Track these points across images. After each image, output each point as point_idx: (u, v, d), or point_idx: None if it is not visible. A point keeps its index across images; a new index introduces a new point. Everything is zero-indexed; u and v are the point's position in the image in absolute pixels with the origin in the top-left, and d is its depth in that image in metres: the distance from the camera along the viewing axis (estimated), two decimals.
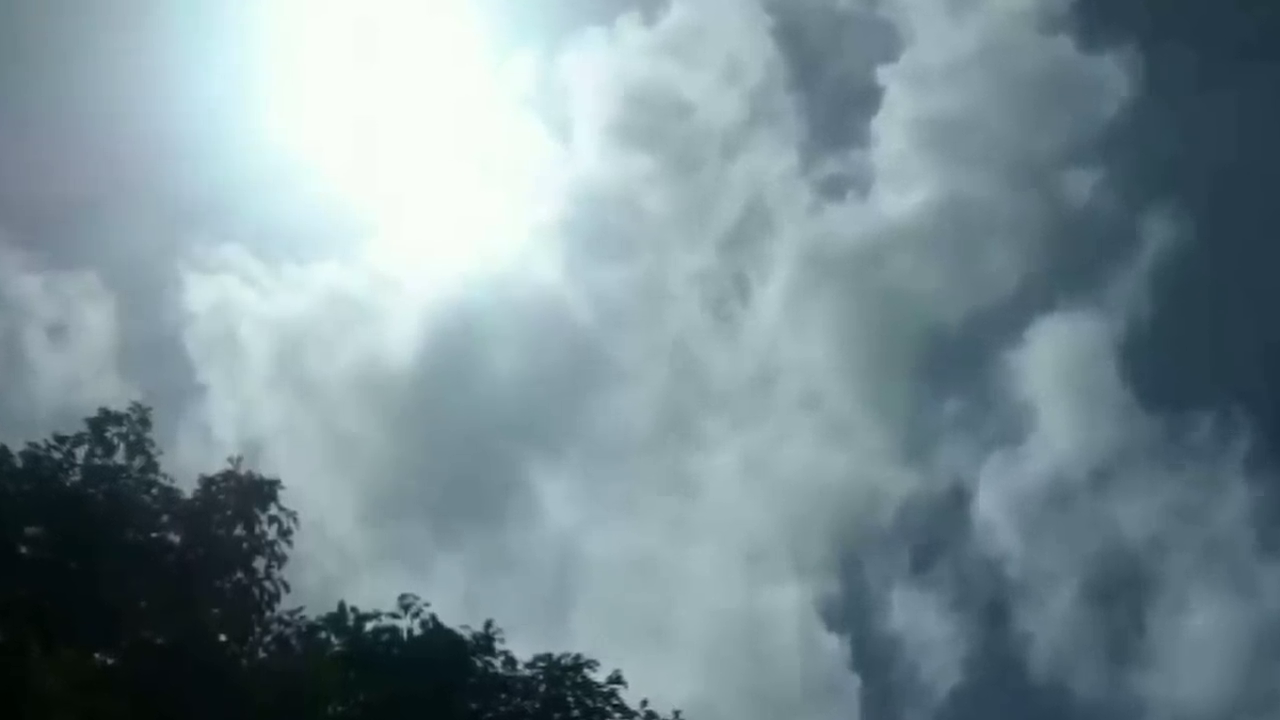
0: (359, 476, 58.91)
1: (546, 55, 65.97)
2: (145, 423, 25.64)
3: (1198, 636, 54.47)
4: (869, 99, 65.08)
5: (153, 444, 25.61)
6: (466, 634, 26.14)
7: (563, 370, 63.25)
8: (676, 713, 26.73)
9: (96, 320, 60.48)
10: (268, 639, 25.39)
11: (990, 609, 57.77)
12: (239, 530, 25.48)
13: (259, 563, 25.48)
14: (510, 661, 26.18)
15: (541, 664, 26.24)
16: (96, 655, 23.75)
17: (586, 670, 26.28)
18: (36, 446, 24.80)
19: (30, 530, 24.21)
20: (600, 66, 66.27)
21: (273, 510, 25.68)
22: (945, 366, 62.91)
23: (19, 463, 24.61)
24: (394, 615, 26.17)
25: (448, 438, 60.07)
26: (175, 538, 25.22)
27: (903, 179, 64.64)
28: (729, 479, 61.40)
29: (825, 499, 59.75)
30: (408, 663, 25.51)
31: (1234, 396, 58.51)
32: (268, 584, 25.43)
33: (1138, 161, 63.49)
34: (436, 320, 62.91)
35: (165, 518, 25.27)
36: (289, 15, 67.29)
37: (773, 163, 65.95)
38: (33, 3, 62.60)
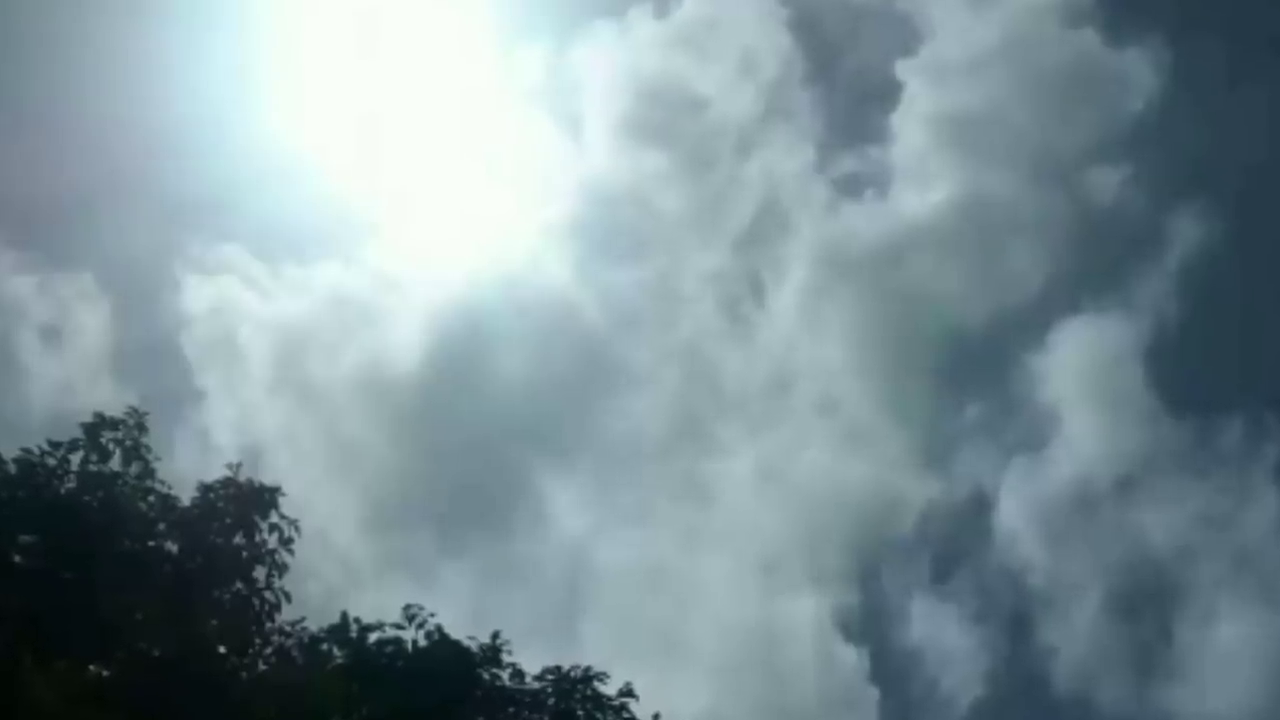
0: (362, 483, 59.07)
1: (555, 49, 66.17)
2: (142, 428, 25.57)
3: (1227, 648, 54.47)
4: (888, 94, 65.28)
5: (149, 450, 25.54)
6: (473, 645, 26.11)
7: (572, 374, 63.38)
8: None
9: (92, 323, 60.72)
10: (268, 651, 25.34)
11: (1013, 620, 57.88)
12: (238, 539, 25.41)
13: (259, 572, 25.42)
14: (518, 674, 26.14)
15: (550, 676, 26.20)
16: (91, 667, 23.70)
17: (597, 683, 26.24)
18: (30, 453, 24.73)
19: (23, 539, 24.17)
20: (611, 61, 66.49)
21: (273, 518, 25.61)
22: (966, 370, 63.04)
23: (12, 469, 24.55)
24: (398, 626, 26.19)
25: (454, 443, 60.19)
26: (173, 547, 25.15)
27: (922, 177, 64.82)
28: (744, 486, 61.50)
29: (843, 507, 59.82)
30: (412, 675, 25.48)
31: (1264, 401, 58.56)
32: (268, 594, 25.37)
33: (1165, 159, 63.60)
34: (442, 322, 63.07)
35: (162, 526, 25.21)
36: (289, 7, 67.51)
37: (789, 160, 66.09)
38: None
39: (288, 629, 25.55)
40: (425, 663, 25.70)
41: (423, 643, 26.03)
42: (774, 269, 65.09)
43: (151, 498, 25.31)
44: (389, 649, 25.88)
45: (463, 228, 67.89)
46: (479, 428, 60.28)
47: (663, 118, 66.50)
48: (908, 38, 65.73)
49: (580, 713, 25.99)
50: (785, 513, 60.82)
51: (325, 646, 25.74)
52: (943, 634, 57.42)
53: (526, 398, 61.64)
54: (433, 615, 26.29)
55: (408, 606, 26.28)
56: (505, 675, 26.05)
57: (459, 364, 62.32)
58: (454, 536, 57.82)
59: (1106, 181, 63.06)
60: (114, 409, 25.63)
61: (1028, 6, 65.61)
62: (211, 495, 25.54)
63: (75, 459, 25.02)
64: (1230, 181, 61.48)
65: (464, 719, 25.50)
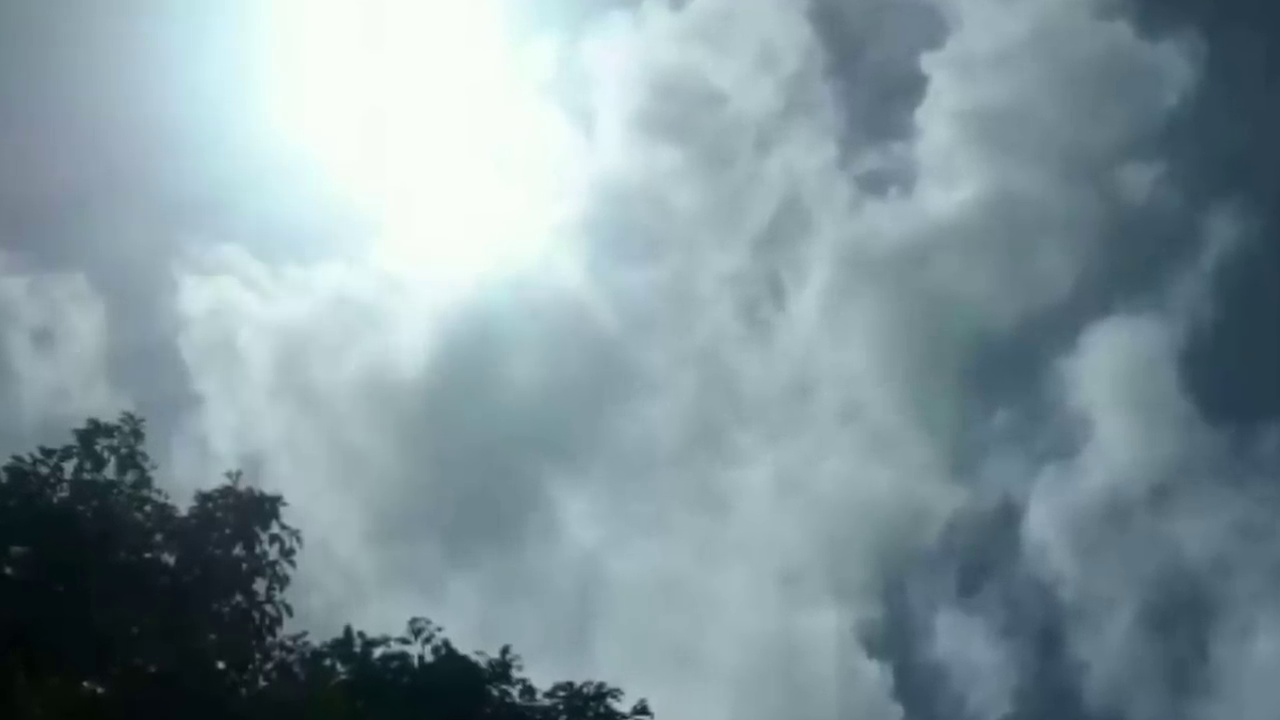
0: (366, 492, 59.09)
1: (568, 41, 66.12)
2: (138, 435, 25.58)
3: (1264, 663, 54.34)
4: (913, 88, 65.17)
5: (146, 458, 25.55)
6: (482, 661, 26.13)
7: (585, 379, 63.35)
8: None
9: (86, 325, 60.76)
10: (269, 666, 25.32)
11: (1042, 634, 57.79)
12: (238, 550, 25.41)
13: (259, 585, 25.41)
14: (528, 690, 26.14)
15: (562, 693, 26.20)
16: (86, 683, 23.69)
17: (610, 700, 26.25)
18: (21, 460, 24.75)
19: (15, 550, 24.20)
20: (625, 53, 66.45)
21: (274, 529, 25.59)
22: (994, 374, 62.93)
23: (3, 478, 24.60)
24: (404, 641, 26.21)
25: (461, 451, 60.17)
26: (170, 558, 25.16)
27: (949, 174, 64.69)
28: (763, 495, 61.44)
29: (866, 517, 59.75)
30: (418, 692, 25.47)
31: None
32: (269, 608, 25.35)
33: (1200, 155, 63.47)
34: (449, 325, 63.06)
35: (159, 537, 25.22)
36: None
37: (810, 157, 65.98)
38: None
39: (289, 644, 25.54)
40: (432, 679, 25.70)
41: (429, 658, 26.04)
42: (794, 270, 65.03)
43: (148, 507, 25.32)
44: (394, 664, 25.89)
45: (470, 227, 67.92)
46: (487, 434, 60.31)
47: (679, 112, 66.49)
48: (933, 30, 65.66)
49: None
50: (806, 523, 60.79)
51: (328, 662, 25.74)
52: (969, 649, 57.36)
53: (537, 403, 61.66)
54: (440, 629, 26.35)
55: (414, 620, 26.30)
56: (515, 692, 26.06)
57: (466, 368, 62.32)
58: (462, 547, 57.88)
59: (1139, 179, 62.98)
60: (109, 415, 25.68)
61: None
62: (210, 505, 25.54)
63: (69, 467, 25.05)
64: (1267, 179, 61.41)
65: None
